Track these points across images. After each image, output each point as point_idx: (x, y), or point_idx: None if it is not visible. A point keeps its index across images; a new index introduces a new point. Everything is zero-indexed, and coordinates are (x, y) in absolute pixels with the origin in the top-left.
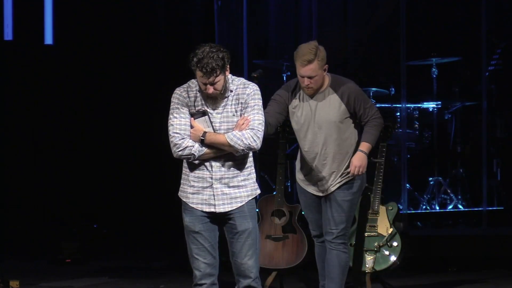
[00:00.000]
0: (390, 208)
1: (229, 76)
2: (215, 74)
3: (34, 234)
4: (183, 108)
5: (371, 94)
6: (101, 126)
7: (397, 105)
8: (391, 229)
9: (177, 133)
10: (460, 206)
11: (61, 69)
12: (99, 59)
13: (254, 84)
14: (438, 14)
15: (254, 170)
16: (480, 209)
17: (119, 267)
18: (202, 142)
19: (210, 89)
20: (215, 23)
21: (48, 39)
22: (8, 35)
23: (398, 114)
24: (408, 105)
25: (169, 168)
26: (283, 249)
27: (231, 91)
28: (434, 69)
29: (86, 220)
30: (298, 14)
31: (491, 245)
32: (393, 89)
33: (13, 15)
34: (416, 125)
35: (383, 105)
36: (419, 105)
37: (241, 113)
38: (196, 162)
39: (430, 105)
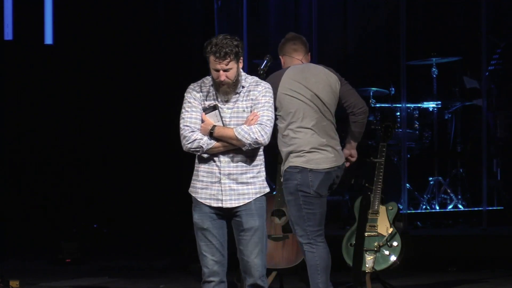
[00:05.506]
0: (390, 208)
1: (243, 73)
2: (228, 59)
3: (34, 234)
4: (195, 102)
5: (371, 94)
6: (100, 126)
7: (397, 105)
8: (391, 229)
9: (187, 126)
10: (460, 206)
11: (61, 69)
12: (99, 59)
13: (266, 82)
14: (438, 14)
15: (264, 169)
16: (480, 209)
17: (119, 267)
18: (211, 135)
19: (223, 76)
20: (215, 23)
21: (48, 39)
22: (8, 35)
23: (398, 114)
24: (408, 105)
25: (169, 168)
26: (283, 248)
27: (243, 87)
28: (434, 69)
29: (86, 220)
30: (298, 14)
31: (491, 245)
32: (393, 89)
33: (13, 15)
34: (416, 125)
35: (383, 105)
36: (419, 105)
37: (251, 110)
38: (205, 156)
39: (430, 105)
